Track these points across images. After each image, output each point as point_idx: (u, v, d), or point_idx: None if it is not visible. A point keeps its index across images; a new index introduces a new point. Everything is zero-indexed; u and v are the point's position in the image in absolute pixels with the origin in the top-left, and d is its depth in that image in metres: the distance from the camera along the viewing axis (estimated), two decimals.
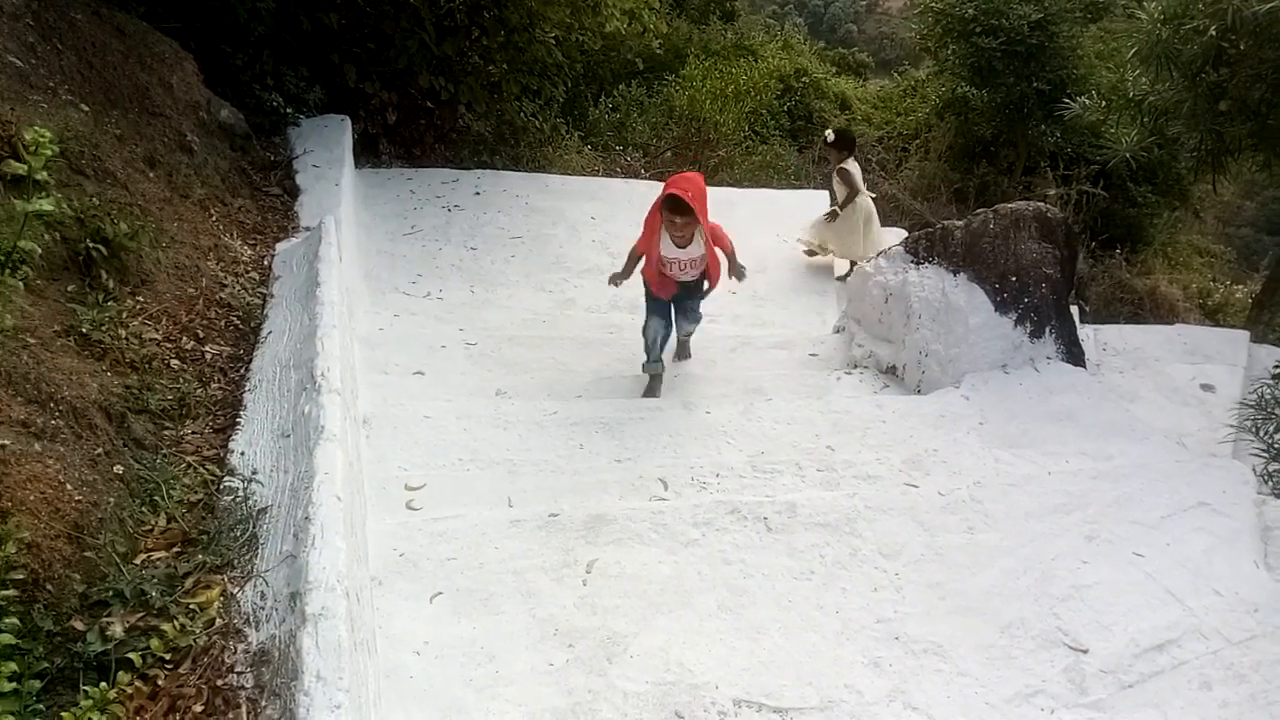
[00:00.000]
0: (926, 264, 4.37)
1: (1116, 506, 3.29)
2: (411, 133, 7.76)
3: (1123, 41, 4.90)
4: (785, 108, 11.87)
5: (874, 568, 3.02)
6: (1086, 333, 5.91)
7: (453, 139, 7.93)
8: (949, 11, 9.95)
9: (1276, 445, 3.81)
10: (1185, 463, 3.57)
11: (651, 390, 4.34)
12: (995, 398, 4.02)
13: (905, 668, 2.65)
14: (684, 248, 4.00)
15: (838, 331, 5.18)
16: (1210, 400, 5.86)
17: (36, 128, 2.26)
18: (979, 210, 4.42)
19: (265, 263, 4.31)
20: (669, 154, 9.55)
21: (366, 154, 7.26)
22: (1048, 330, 4.20)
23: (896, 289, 4.43)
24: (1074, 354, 4.26)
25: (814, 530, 3.16)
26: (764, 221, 7.33)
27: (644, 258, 4.19)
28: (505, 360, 4.52)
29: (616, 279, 4.33)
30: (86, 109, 4.02)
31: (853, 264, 6.47)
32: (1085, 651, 2.73)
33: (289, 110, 6.28)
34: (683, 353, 4.79)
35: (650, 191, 7.72)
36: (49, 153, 2.21)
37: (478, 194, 6.89)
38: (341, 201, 5.35)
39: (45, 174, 2.23)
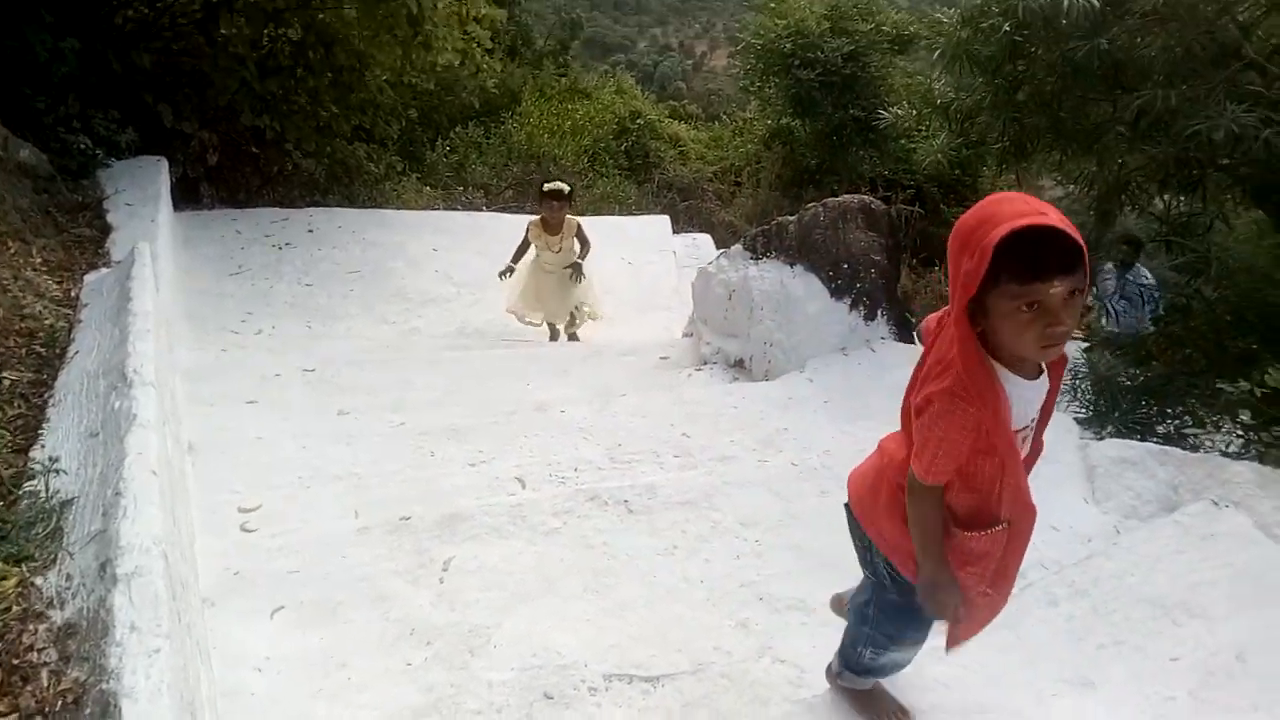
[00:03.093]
0: (765, 258, 4.51)
1: None
2: (236, 175, 7.45)
3: (929, 53, 5.27)
4: (623, 148, 12.14)
5: (735, 537, 3.03)
6: (918, 345, 6.26)
7: (281, 181, 7.66)
8: (769, 48, 10.51)
9: (1089, 401, 4.11)
10: None
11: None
12: (837, 378, 4.16)
13: (771, 625, 2.64)
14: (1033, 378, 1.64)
15: (686, 336, 5.25)
16: None
17: None
18: (809, 204, 4.61)
19: (73, 294, 3.98)
20: (510, 192, 9.56)
21: (187, 198, 6.90)
22: (879, 313, 4.40)
23: (738, 285, 4.55)
24: (904, 334, 4.47)
25: (674, 509, 3.14)
26: (608, 247, 7.39)
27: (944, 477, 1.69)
28: (346, 385, 4.32)
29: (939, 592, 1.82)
30: None
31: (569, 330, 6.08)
32: None
33: (99, 153, 5.91)
34: None
35: (493, 224, 7.63)
36: None
37: (310, 231, 6.65)
38: (159, 238, 5.03)
39: None
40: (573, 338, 6.14)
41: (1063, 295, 1.40)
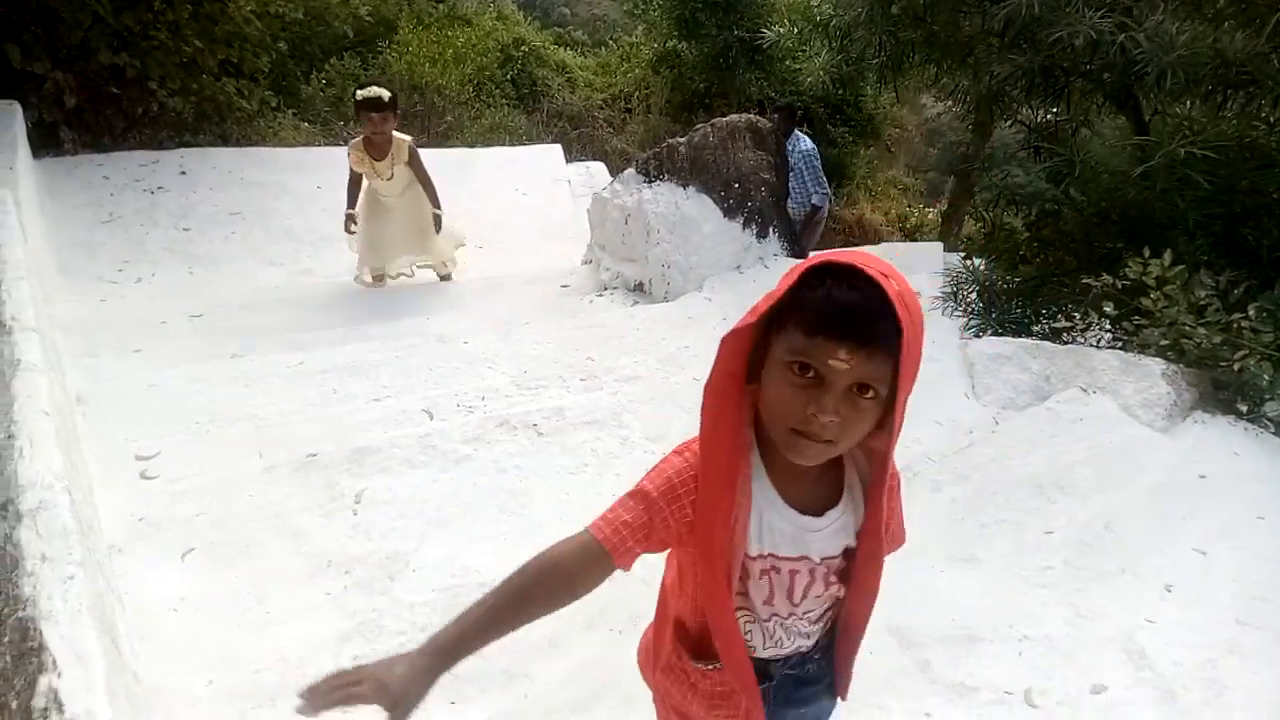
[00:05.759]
0: (658, 181, 4.54)
1: None
2: (98, 118, 6.99)
3: None
4: (509, 76, 11.85)
5: (644, 451, 3.12)
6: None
7: (146, 122, 7.22)
8: None
9: (969, 302, 4.35)
10: None
11: None
12: (733, 295, 4.27)
13: None
14: (814, 512, 1.19)
15: (586, 263, 5.27)
16: None
17: None
18: (698, 125, 4.65)
19: None
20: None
21: (46, 145, 6.47)
22: (771, 230, 4.51)
23: (634, 209, 4.57)
24: (795, 250, 4.60)
25: (583, 429, 3.21)
26: (503, 178, 7.32)
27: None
28: (238, 327, 4.20)
29: None
30: None
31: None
32: None
33: None
34: None
35: None
36: None
37: (183, 173, 6.33)
38: (20, 186, 4.72)
39: None
40: (445, 279, 5.30)
41: (847, 377, 1.01)
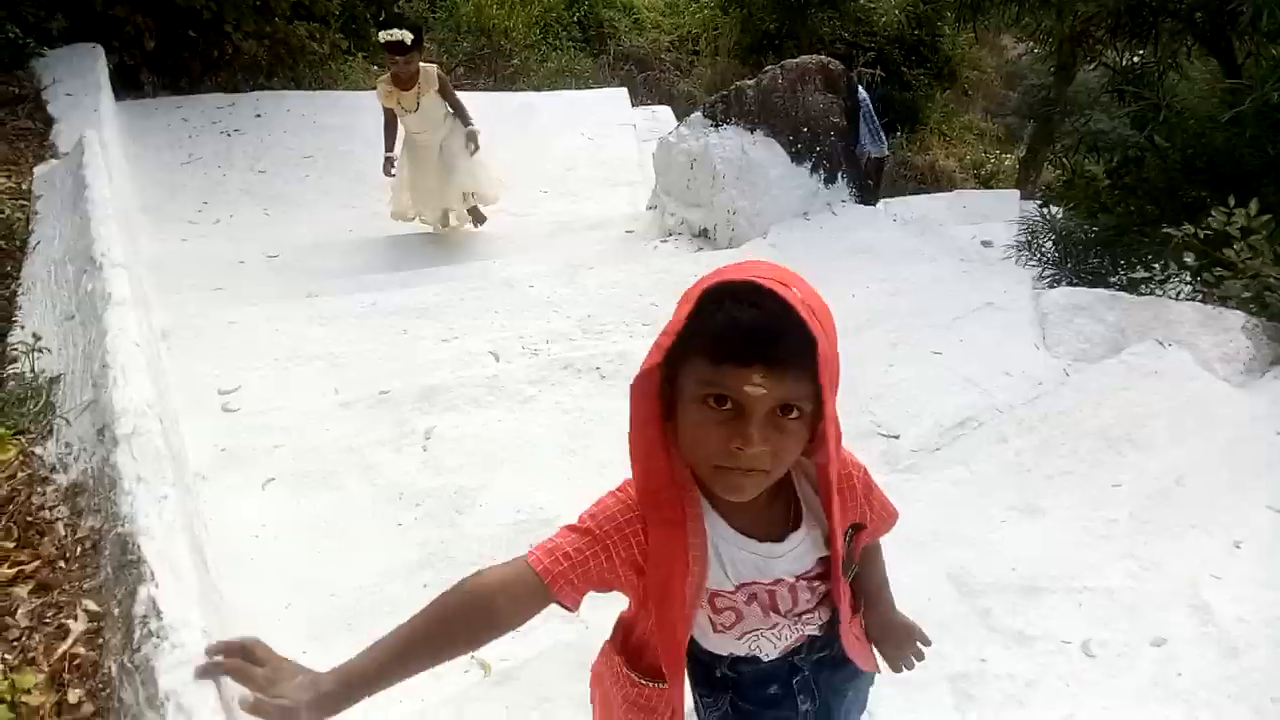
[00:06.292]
0: (725, 125, 4.49)
1: (914, 315, 3.56)
2: (175, 61, 7.14)
3: None
4: (576, 18, 11.73)
5: None
6: (878, 207, 6.30)
7: (222, 65, 7.35)
8: None
9: (1044, 251, 4.23)
10: (970, 273, 3.90)
11: None
12: (800, 242, 4.24)
13: None
14: (779, 540, 1.15)
15: (650, 209, 5.26)
16: (990, 254, 6.42)
17: None
18: (768, 67, 4.57)
19: (24, 187, 3.91)
20: (461, 69, 9.29)
21: (127, 87, 6.64)
22: (840, 175, 4.44)
23: (700, 154, 4.54)
24: (865, 196, 4.53)
25: None
26: (568, 122, 7.30)
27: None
28: (312, 268, 4.33)
29: None
30: None
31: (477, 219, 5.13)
32: (897, 437, 2.97)
33: (29, 41, 5.65)
34: None
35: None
36: None
37: (259, 116, 6.46)
38: (104, 127, 4.89)
39: None
40: (477, 220, 5.17)
41: (766, 401, 0.94)
